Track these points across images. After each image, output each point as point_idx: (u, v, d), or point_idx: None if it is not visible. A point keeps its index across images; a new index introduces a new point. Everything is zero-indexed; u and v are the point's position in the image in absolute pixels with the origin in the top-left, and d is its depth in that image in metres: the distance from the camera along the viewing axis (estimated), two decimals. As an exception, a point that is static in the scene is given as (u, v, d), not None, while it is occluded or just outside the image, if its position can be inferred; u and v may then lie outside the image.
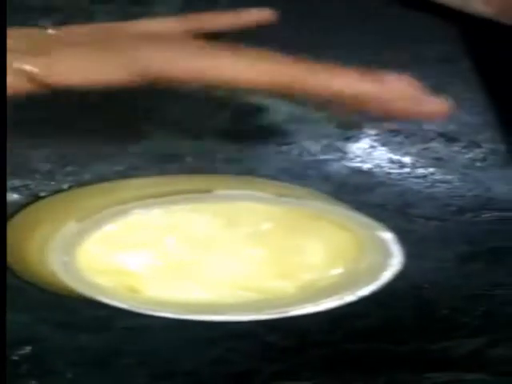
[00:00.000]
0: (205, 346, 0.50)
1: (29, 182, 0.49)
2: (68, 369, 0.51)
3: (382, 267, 0.45)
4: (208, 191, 0.43)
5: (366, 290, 0.45)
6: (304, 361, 0.51)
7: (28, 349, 0.51)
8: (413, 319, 0.51)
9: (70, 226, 0.43)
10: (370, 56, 0.56)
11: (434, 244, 0.51)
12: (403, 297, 0.49)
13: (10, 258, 0.43)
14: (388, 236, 0.43)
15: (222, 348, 0.51)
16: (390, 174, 0.53)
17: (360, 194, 0.52)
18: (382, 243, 0.44)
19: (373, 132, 0.55)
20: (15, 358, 0.51)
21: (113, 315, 0.48)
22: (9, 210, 0.46)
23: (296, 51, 0.37)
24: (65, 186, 0.47)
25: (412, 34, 0.58)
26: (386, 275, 0.45)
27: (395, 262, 0.44)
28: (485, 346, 0.46)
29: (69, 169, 0.49)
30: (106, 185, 0.47)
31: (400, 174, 0.53)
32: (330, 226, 0.46)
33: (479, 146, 0.54)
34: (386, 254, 0.44)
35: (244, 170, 0.51)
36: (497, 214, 0.47)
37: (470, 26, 0.56)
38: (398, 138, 0.55)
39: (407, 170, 0.53)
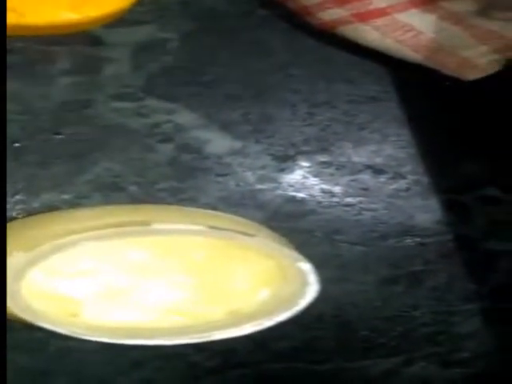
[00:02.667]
0: (134, 366, 0.52)
1: None
2: None
3: (301, 295, 0.49)
4: (147, 224, 0.47)
5: (284, 316, 0.50)
6: (227, 380, 0.53)
7: None
8: (333, 340, 0.54)
9: (17, 256, 0.46)
10: (306, 94, 0.60)
11: (356, 268, 0.55)
12: (325, 319, 0.53)
13: None
14: (307, 266, 0.48)
15: (150, 368, 0.52)
16: (320, 202, 0.57)
17: (291, 221, 0.55)
18: (302, 273, 0.48)
19: (306, 164, 0.58)
20: None
21: (48, 337, 0.50)
22: None
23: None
24: (14, 214, 0.50)
25: (345, 73, 0.62)
26: (304, 302, 0.49)
27: (312, 290, 0.49)
28: (399, 366, 0.51)
29: (18, 197, 0.51)
30: (53, 214, 0.50)
31: (330, 202, 0.57)
32: (257, 256, 0.50)
33: (404, 178, 0.59)
34: (305, 283, 0.49)
35: (185, 198, 0.55)
36: (417, 239, 0.50)
37: (398, 66, 0.59)
38: (330, 170, 0.59)
39: (337, 199, 0.57)
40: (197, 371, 0.53)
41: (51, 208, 0.50)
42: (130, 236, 0.47)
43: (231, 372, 0.53)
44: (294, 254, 0.47)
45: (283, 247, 0.48)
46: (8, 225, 0.48)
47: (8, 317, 0.45)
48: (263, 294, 0.51)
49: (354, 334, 0.54)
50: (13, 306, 0.45)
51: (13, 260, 0.44)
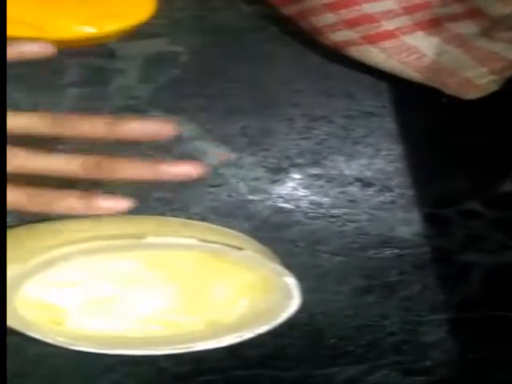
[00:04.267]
0: (105, 371, 0.53)
1: None
2: None
3: (282, 308, 0.52)
4: (138, 237, 0.49)
5: (262, 329, 0.52)
6: None
7: None
8: (302, 347, 0.55)
9: (12, 268, 0.47)
10: (305, 109, 0.64)
11: (333, 278, 0.58)
12: (297, 327, 0.55)
13: None
14: (291, 280, 0.51)
15: (121, 373, 0.53)
16: (307, 213, 0.60)
17: (277, 231, 0.58)
18: (286, 286, 0.51)
19: (298, 176, 0.62)
20: None
21: (24, 343, 0.52)
22: None
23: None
24: (8, 223, 0.51)
25: (345, 88, 0.58)
26: (283, 316, 0.52)
27: (294, 303, 0.51)
28: (363, 373, 0.54)
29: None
30: (45, 226, 0.52)
31: (316, 213, 0.60)
32: (241, 269, 0.52)
33: (390, 190, 0.62)
34: (288, 296, 0.51)
35: (176, 208, 0.58)
36: (396, 251, 0.54)
37: (397, 83, 0.58)
38: (320, 182, 0.62)
39: (323, 210, 0.61)
40: (165, 377, 0.54)
41: (44, 217, 0.52)
42: (121, 250, 0.50)
43: (199, 378, 0.54)
44: (279, 268, 0.51)
45: (268, 261, 0.51)
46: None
47: None
48: (244, 306, 0.54)
49: (323, 342, 0.56)
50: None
51: (8, 271, 0.46)
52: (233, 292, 0.54)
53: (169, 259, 0.52)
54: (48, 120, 0.47)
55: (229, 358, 0.53)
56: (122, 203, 0.45)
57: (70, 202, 0.45)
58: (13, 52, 0.47)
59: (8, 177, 0.44)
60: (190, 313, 0.53)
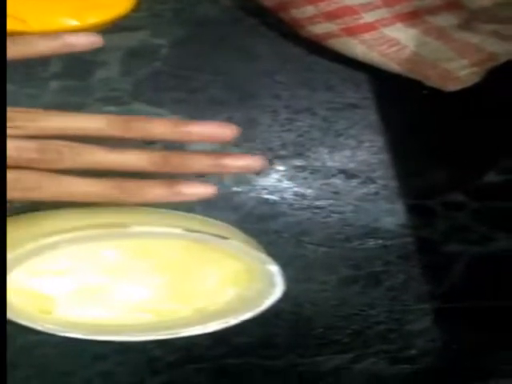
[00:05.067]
0: (96, 360, 0.55)
1: None
2: None
3: (266, 295, 0.53)
4: (125, 226, 0.49)
5: (247, 315, 0.53)
6: (184, 374, 0.55)
7: None
8: (289, 336, 0.56)
9: None
10: (288, 101, 0.64)
11: (319, 268, 0.59)
12: (284, 317, 0.56)
13: None
14: (275, 268, 0.52)
15: (112, 362, 0.55)
16: (291, 205, 0.61)
17: (262, 222, 0.59)
18: (269, 274, 0.52)
19: (281, 168, 0.62)
20: None
21: (15, 332, 0.52)
22: None
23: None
24: None
25: (327, 81, 0.58)
26: (267, 303, 0.53)
27: (278, 291, 0.52)
28: (350, 362, 0.54)
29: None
30: (33, 215, 0.53)
31: (301, 205, 0.61)
32: (227, 258, 0.53)
33: (374, 182, 0.62)
34: (271, 284, 0.52)
35: None
36: (380, 241, 0.53)
37: (378, 75, 0.58)
38: (304, 174, 0.62)
39: (307, 201, 0.61)
40: (156, 365, 0.55)
41: (32, 208, 0.53)
42: (107, 238, 0.51)
43: (189, 366, 0.55)
44: (263, 256, 0.52)
45: (253, 250, 0.52)
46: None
47: None
48: (230, 294, 0.55)
49: (310, 331, 0.57)
50: None
51: None
52: (219, 280, 0.55)
53: (155, 249, 0.53)
54: (117, 123, 0.49)
55: (218, 346, 0.55)
56: (206, 189, 0.49)
57: (157, 190, 0.48)
58: (63, 45, 0.49)
59: (88, 171, 0.47)
60: (178, 301, 0.54)
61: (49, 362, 0.53)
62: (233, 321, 0.53)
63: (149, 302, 0.54)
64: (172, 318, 0.54)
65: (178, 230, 0.50)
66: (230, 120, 0.62)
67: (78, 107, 0.59)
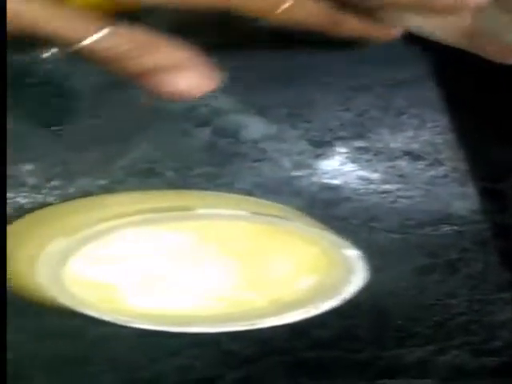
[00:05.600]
0: (169, 354, 0.52)
1: (13, 195, 0.50)
2: (41, 375, 0.52)
3: (346, 282, 0.49)
4: (189, 209, 0.46)
5: (328, 305, 0.50)
6: (264, 368, 0.53)
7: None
8: (369, 329, 0.54)
9: (58, 242, 0.45)
10: (345, 78, 0.60)
11: (393, 256, 0.56)
12: (362, 307, 0.54)
13: None
14: (353, 253, 0.48)
15: (186, 356, 0.53)
16: (357, 189, 0.57)
17: (327, 208, 0.56)
18: (348, 260, 0.49)
19: (343, 150, 0.58)
20: None
21: (85, 324, 0.50)
22: None
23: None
24: (51, 200, 0.51)
25: (386, 57, 0.61)
26: (349, 290, 0.49)
27: (359, 278, 0.49)
28: (433, 354, 0.54)
29: (54, 183, 0.51)
30: (91, 200, 0.50)
31: (366, 189, 0.58)
32: (301, 243, 0.50)
33: (442, 164, 0.60)
34: (351, 271, 0.49)
35: (220, 184, 0.55)
36: (455, 228, 0.52)
37: (438, 50, 0.53)
38: (367, 156, 0.58)
39: (373, 186, 0.58)
40: (232, 359, 0.53)
41: (86, 194, 0.51)
42: (172, 221, 0.48)
43: (267, 360, 0.53)
44: (339, 240, 0.49)
45: (328, 234, 0.49)
46: (46, 210, 0.49)
47: (48, 303, 0.46)
48: (307, 282, 0.51)
49: (390, 323, 0.54)
50: (55, 293, 0.45)
51: (54, 246, 0.45)
52: (294, 267, 0.51)
53: (222, 234, 0.50)
54: None
55: (296, 338, 0.53)
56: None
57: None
58: None
59: None
60: (252, 289, 0.51)
61: (121, 356, 0.51)
62: (313, 310, 0.50)
63: (220, 291, 0.51)
64: (246, 308, 0.50)
65: (245, 213, 0.47)
66: (284, 99, 0.58)
67: (126, 86, 0.52)
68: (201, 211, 0.47)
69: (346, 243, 0.49)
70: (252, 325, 0.50)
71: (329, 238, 0.49)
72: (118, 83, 0.54)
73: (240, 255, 0.51)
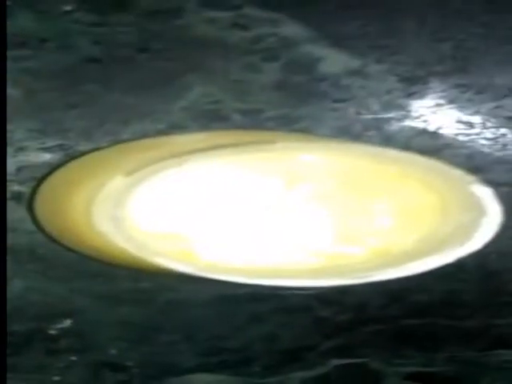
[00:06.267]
0: (253, 321, 0.49)
1: (63, 142, 0.45)
2: (110, 344, 0.49)
3: (472, 230, 0.41)
4: (271, 142, 0.40)
5: (464, 251, 0.42)
6: (361, 337, 0.50)
7: (67, 322, 0.49)
8: (476, 293, 0.49)
9: (118, 181, 0.40)
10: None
11: (505, 211, 0.46)
12: (466, 269, 0.48)
13: (46, 222, 0.42)
14: (485, 191, 0.40)
15: (272, 323, 0.50)
16: (457, 135, 0.50)
17: (425, 156, 0.47)
18: (475, 201, 0.40)
19: (439, 87, 0.50)
20: (53, 332, 0.49)
21: (155, 288, 0.48)
22: (41, 170, 0.44)
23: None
24: (103, 145, 0.46)
25: None
26: (485, 235, 0.41)
27: (493, 220, 0.41)
28: None
29: (106, 127, 0.46)
30: (152, 140, 0.44)
31: (468, 135, 0.50)
32: (408, 183, 0.43)
33: None
34: (482, 213, 0.41)
35: (297, 129, 0.48)
36: None
37: None
38: (467, 95, 0.50)
39: (476, 130, 0.50)
40: (325, 327, 0.50)
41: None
42: (255, 153, 0.41)
43: (364, 329, 0.50)
44: (465, 177, 0.41)
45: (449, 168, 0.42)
46: (100, 152, 0.44)
47: (103, 255, 0.42)
48: (416, 233, 0.44)
49: (501, 287, 0.50)
50: (115, 237, 0.40)
51: (113, 185, 0.40)
52: (399, 215, 0.44)
53: (308, 174, 0.43)
54: None
55: (393, 305, 0.49)
56: None
57: None
58: None
59: None
60: (349, 241, 0.44)
61: (196, 324, 0.49)
62: (436, 261, 0.42)
63: (315, 244, 0.44)
64: (346, 263, 0.44)
65: (356, 146, 0.41)
66: (365, 27, 0.49)
67: (178, 14, 0.47)
68: (283, 144, 0.40)
69: (475, 179, 0.41)
70: (366, 277, 0.43)
71: (448, 173, 0.41)
72: (170, 10, 0.47)
73: (330, 201, 0.44)
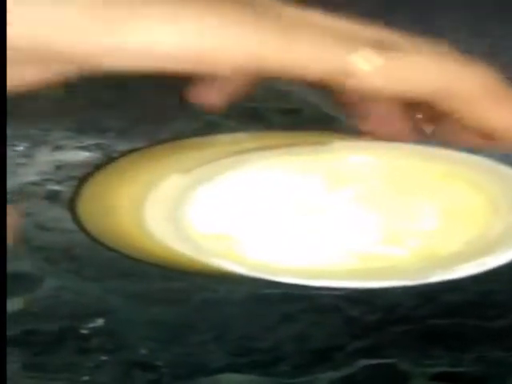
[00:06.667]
0: (284, 320, 0.49)
1: (101, 141, 0.46)
2: (141, 344, 0.49)
3: None
4: (322, 144, 0.40)
5: (507, 257, 0.39)
6: (391, 337, 0.49)
7: (99, 321, 0.49)
8: (509, 294, 0.49)
9: (172, 180, 0.39)
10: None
11: None
12: (500, 270, 0.43)
13: (87, 221, 0.39)
14: None
15: (303, 323, 0.49)
16: None
17: None
18: None
19: None
20: (85, 331, 0.48)
21: (188, 288, 0.48)
22: (80, 170, 0.45)
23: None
24: (140, 145, 0.45)
25: None
26: None
27: None
28: None
29: (143, 127, 0.47)
30: (200, 139, 0.44)
31: None
32: (455, 183, 0.41)
33: None
34: None
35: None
36: None
37: None
38: None
39: None
40: (355, 327, 0.49)
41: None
42: (304, 157, 0.41)
43: (393, 329, 0.49)
44: None
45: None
46: (154, 148, 0.43)
47: (149, 255, 0.40)
48: (464, 235, 0.41)
49: None
50: (168, 239, 0.38)
51: (166, 185, 0.39)
52: (446, 216, 0.42)
53: (359, 176, 0.42)
54: None
55: (424, 304, 0.49)
56: None
57: None
58: None
59: None
60: (393, 242, 0.42)
61: (229, 323, 0.48)
62: (490, 263, 0.39)
63: (357, 245, 0.42)
64: (390, 265, 0.41)
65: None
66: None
67: None
68: (338, 145, 0.40)
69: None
70: (417, 280, 0.40)
71: (500, 173, 0.40)
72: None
73: (375, 201, 0.43)
